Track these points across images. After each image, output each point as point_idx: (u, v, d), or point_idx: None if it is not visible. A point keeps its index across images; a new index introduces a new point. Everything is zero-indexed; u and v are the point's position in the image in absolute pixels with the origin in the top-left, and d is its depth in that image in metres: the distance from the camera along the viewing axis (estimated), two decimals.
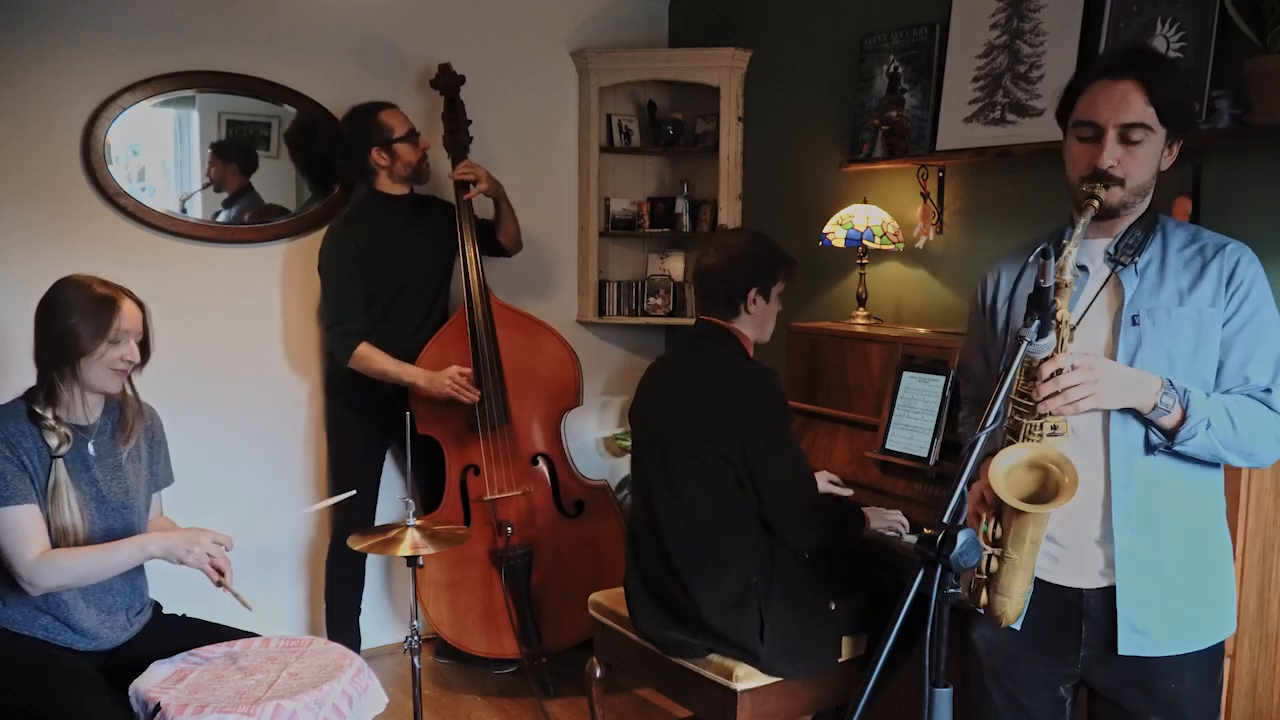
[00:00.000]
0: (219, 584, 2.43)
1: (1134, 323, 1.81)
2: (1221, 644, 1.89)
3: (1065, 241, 1.72)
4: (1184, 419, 1.73)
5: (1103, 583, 1.84)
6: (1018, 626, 1.87)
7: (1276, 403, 1.79)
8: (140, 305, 2.40)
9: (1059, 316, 1.68)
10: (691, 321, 4.17)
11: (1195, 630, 1.84)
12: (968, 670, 2.04)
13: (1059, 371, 1.68)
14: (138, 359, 2.38)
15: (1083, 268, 1.87)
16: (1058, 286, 1.66)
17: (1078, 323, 1.81)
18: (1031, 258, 1.64)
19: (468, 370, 3.49)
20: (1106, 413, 1.80)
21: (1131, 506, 1.81)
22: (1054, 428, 1.72)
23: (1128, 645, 1.82)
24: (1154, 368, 1.78)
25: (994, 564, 1.74)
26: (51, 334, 2.32)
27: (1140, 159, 1.78)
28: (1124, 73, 1.77)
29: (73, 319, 2.30)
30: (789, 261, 2.74)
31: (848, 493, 2.94)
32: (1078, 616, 1.87)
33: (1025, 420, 1.73)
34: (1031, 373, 1.71)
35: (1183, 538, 1.83)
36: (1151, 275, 1.83)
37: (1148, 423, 1.77)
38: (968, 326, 2.18)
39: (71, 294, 2.33)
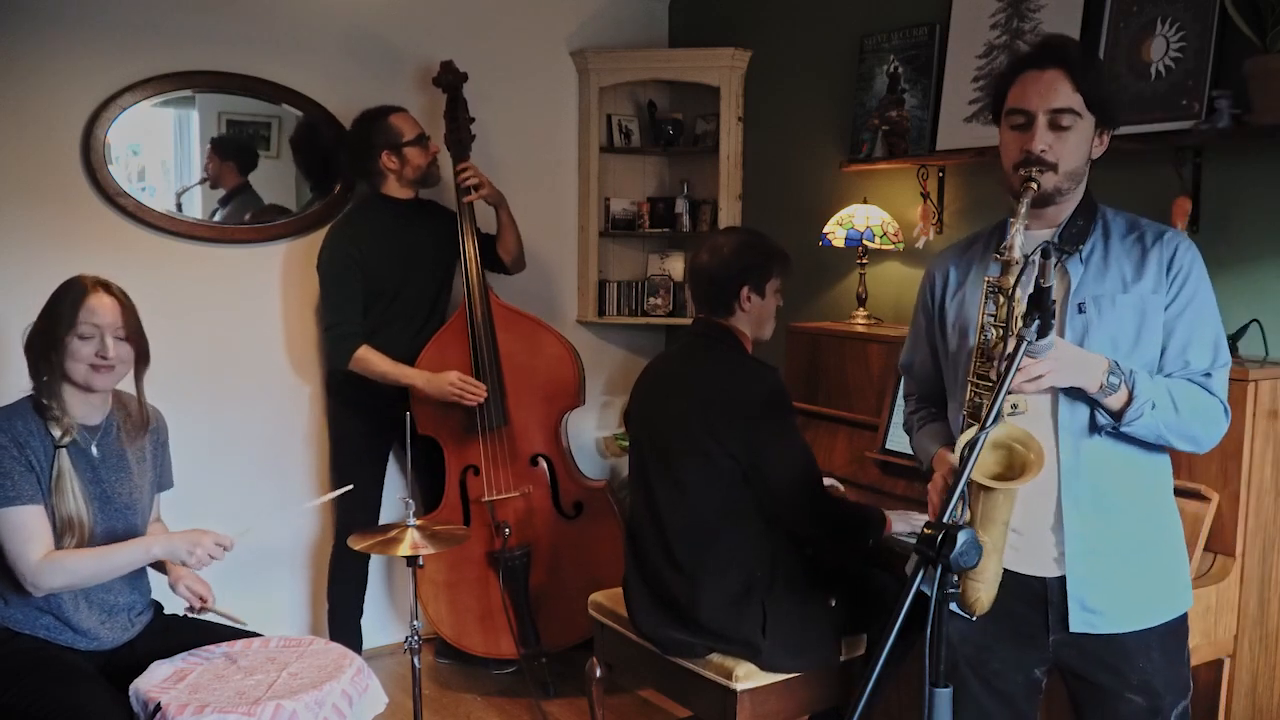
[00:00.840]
0: (202, 610, 2.45)
1: (1080, 310, 1.86)
2: (1183, 617, 1.93)
3: (1012, 221, 1.77)
4: (1130, 399, 1.78)
5: (1058, 570, 1.88)
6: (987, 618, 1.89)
7: (1216, 387, 1.85)
8: (121, 301, 2.35)
9: (1013, 295, 1.71)
10: (691, 321, 4.20)
11: (1150, 607, 1.89)
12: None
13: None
14: (114, 356, 2.32)
15: (1028, 258, 1.88)
16: (1007, 265, 1.71)
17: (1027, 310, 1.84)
18: (1031, 257, 1.65)
19: (469, 377, 3.48)
20: (1055, 398, 1.85)
21: (1080, 489, 1.85)
22: (1014, 405, 1.74)
23: (1078, 623, 1.86)
24: (1099, 353, 1.82)
25: None
26: (35, 327, 2.34)
27: (1070, 144, 1.83)
28: (1050, 62, 1.83)
29: (47, 313, 2.32)
30: (782, 257, 2.73)
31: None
32: (1042, 603, 1.90)
33: (985, 400, 1.75)
34: (988, 353, 1.76)
35: (1131, 517, 1.88)
36: (1095, 262, 1.88)
37: (1093, 403, 1.81)
38: (912, 323, 2.21)
39: (60, 289, 2.34)
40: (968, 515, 1.74)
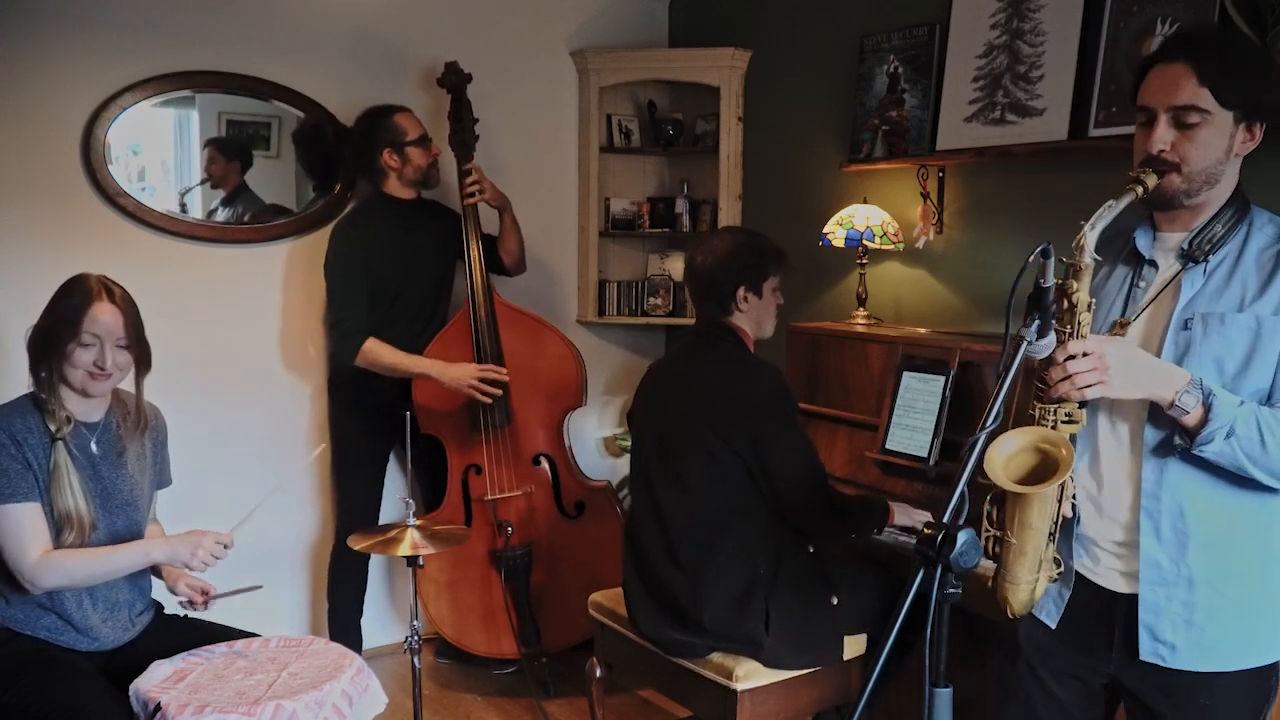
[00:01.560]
0: (207, 602, 2.45)
1: (1185, 327, 1.73)
2: (1269, 667, 1.78)
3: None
4: (1205, 420, 1.64)
5: (1125, 588, 1.80)
6: (1040, 615, 1.89)
7: None
8: (124, 310, 2.34)
9: (1074, 300, 1.64)
10: (691, 322, 4.20)
11: (1226, 651, 1.76)
12: (999, 659, 2.04)
13: (1071, 357, 1.65)
14: (111, 365, 2.31)
15: (1152, 263, 1.82)
16: (1077, 269, 1.63)
17: (1135, 318, 1.78)
18: (1031, 257, 1.62)
19: (489, 368, 3.48)
20: (1141, 415, 1.75)
21: (1159, 514, 1.75)
22: (1068, 415, 1.68)
23: (1147, 652, 1.78)
24: (1200, 375, 1.69)
25: (997, 547, 1.74)
26: (37, 327, 2.34)
27: (1198, 143, 1.69)
28: (1176, 55, 1.70)
29: (50, 316, 2.32)
30: (778, 256, 2.73)
31: None
32: (1109, 619, 1.83)
33: (1040, 405, 1.71)
34: (1048, 360, 1.69)
35: (1220, 553, 1.74)
36: (1220, 276, 1.73)
37: (1172, 422, 1.69)
38: None
39: (66, 288, 2.34)
40: (1000, 516, 1.71)
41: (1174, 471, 1.73)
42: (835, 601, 2.63)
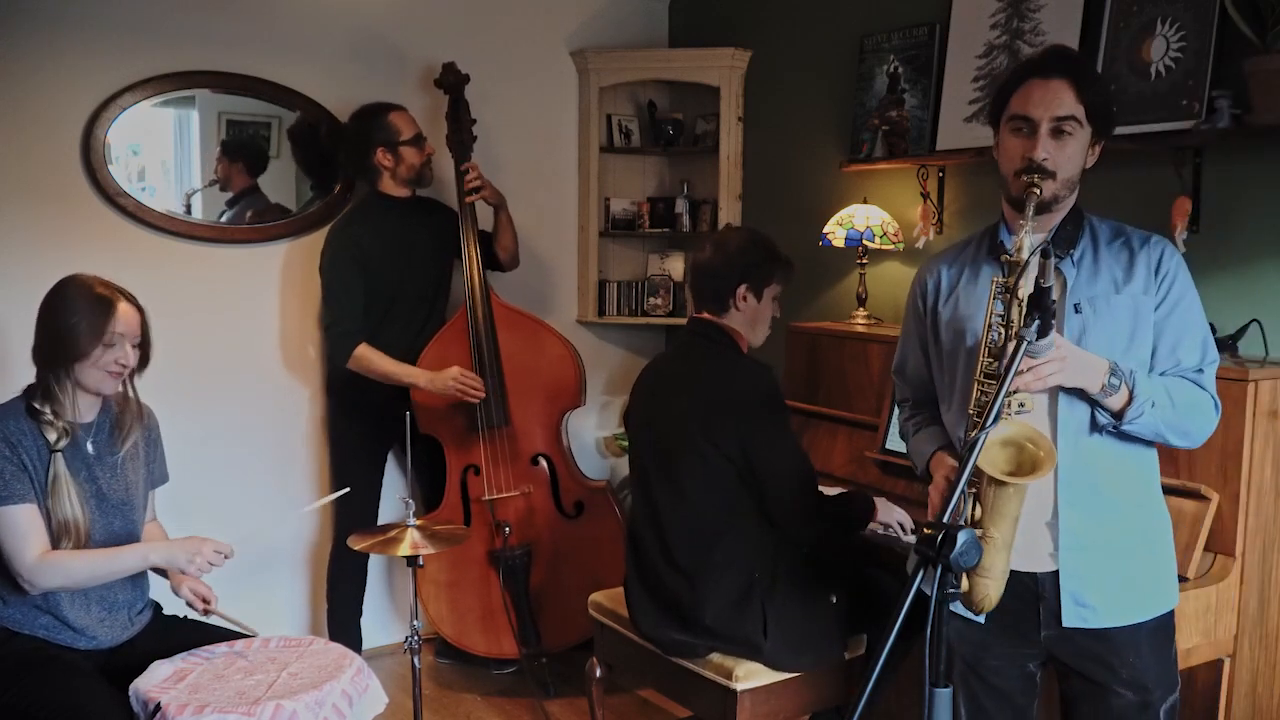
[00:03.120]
0: (205, 612, 2.46)
1: (1076, 310, 1.90)
2: (1170, 614, 1.97)
3: (1017, 231, 1.81)
4: (1131, 399, 1.83)
5: (1052, 565, 1.92)
6: (966, 613, 1.90)
7: (1206, 382, 1.91)
8: (139, 308, 2.38)
9: (1020, 295, 1.74)
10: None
11: (1140, 602, 1.92)
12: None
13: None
14: (131, 363, 2.36)
15: (1028, 260, 1.91)
16: (1013, 265, 1.76)
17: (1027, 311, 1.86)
18: (1031, 257, 1.67)
19: (470, 373, 3.48)
20: (1054, 397, 1.89)
21: (1077, 486, 1.89)
22: (1021, 404, 1.78)
23: (1071, 618, 1.90)
24: (1097, 353, 1.86)
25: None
26: (49, 333, 2.33)
27: (1069, 153, 1.87)
28: (1056, 71, 1.87)
29: (70, 320, 2.30)
30: (785, 264, 2.73)
31: None
32: (1035, 599, 1.94)
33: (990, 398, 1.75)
34: (996, 353, 1.79)
35: (1123, 514, 1.92)
36: (1086, 265, 1.93)
37: (1094, 403, 1.85)
38: (903, 327, 2.23)
39: (71, 294, 2.33)
40: (976, 513, 1.74)
41: (1085, 445, 1.89)
42: (835, 600, 2.63)
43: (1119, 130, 2.71)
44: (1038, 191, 1.83)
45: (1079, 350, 1.83)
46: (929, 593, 1.45)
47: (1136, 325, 1.90)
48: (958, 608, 1.86)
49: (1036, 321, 1.65)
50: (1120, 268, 1.92)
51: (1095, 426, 1.88)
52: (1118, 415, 1.85)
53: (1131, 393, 1.83)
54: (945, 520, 1.49)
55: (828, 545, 2.67)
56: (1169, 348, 1.91)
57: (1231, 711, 2.39)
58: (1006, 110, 1.92)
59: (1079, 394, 1.86)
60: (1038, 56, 1.94)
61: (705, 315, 2.70)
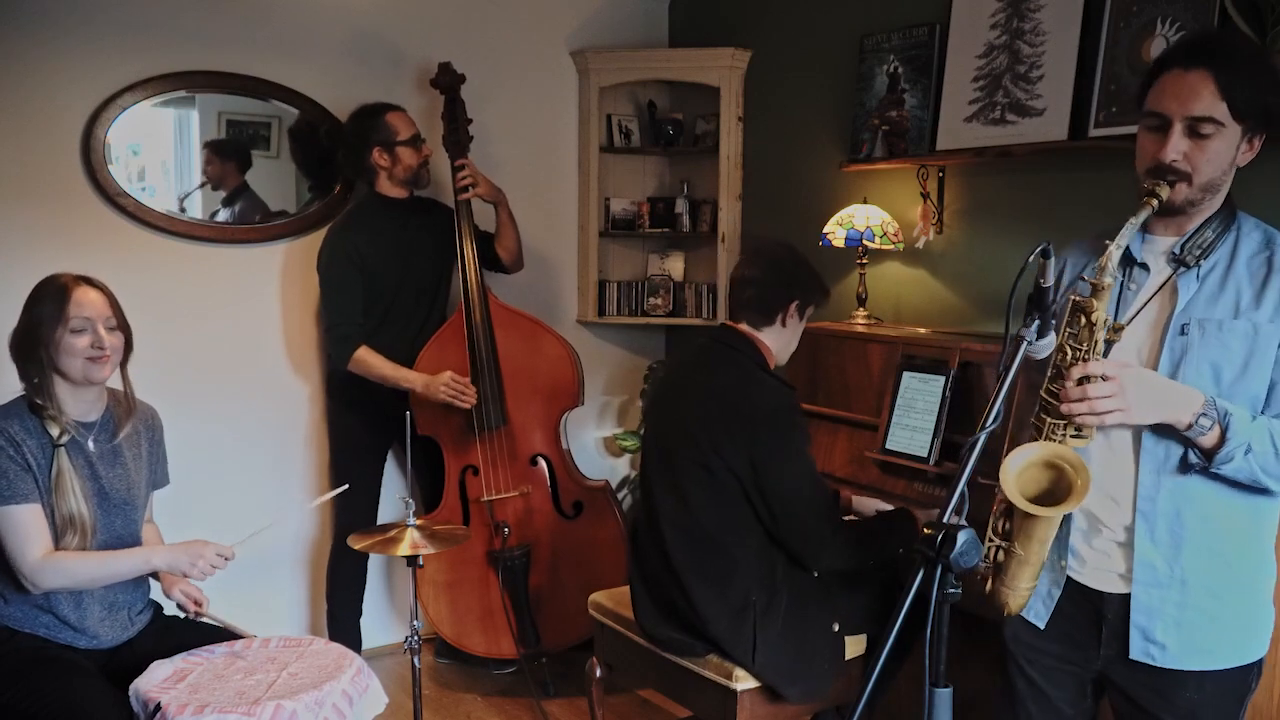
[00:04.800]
0: (197, 615, 2.46)
1: (1182, 332, 1.73)
2: (1251, 666, 1.82)
3: (1107, 241, 1.65)
4: (1222, 441, 1.67)
5: (1121, 588, 1.81)
6: (1029, 616, 1.90)
7: None
8: (104, 291, 2.37)
9: (1094, 319, 1.64)
10: (691, 322, 4.20)
11: (1215, 650, 1.79)
12: (997, 660, 2.05)
13: (1088, 379, 1.65)
14: (108, 345, 2.33)
15: (1144, 266, 1.82)
16: (1096, 288, 1.62)
17: (1128, 322, 1.77)
18: (1030, 257, 1.63)
19: (462, 379, 3.48)
20: (1139, 428, 1.76)
21: (1156, 520, 1.77)
22: (1078, 430, 1.69)
23: (1138, 651, 1.80)
24: (1196, 381, 1.72)
25: (1001, 556, 1.74)
26: (18, 328, 2.34)
27: (1209, 154, 1.69)
28: (1196, 62, 1.67)
29: (33, 313, 2.32)
30: (826, 290, 2.74)
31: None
32: (1098, 618, 1.85)
33: (1049, 419, 1.71)
34: (1062, 372, 1.68)
35: (1213, 558, 1.76)
36: (1213, 282, 1.74)
37: (1186, 441, 1.71)
38: None
39: (38, 289, 2.35)
40: (1008, 525, 1.71)
41: (1170, 477, 1.75)
42: (837, 628, 2.57)
43: (1120, 130, 2.72)
44: (1154, 202, 1.67)
45: (1159, 381, 1.69)
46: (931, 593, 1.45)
47: (1253, 356, 1.70)
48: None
49: (1036, 321, 1.64)
50: (1252, 287, 1.71)
51: (1188, 466, 1.72)
52: (1208, 456, 1.69)
53: (1224, 434, 1.66)
54: (945, 520, 1.49)
55: (853, 568, 2.59)
56: None
57: None
58: (1145, 104, 1.73)
59: (1169, 430, 1.70)
60: (1182, 42, 1.74)
61: (741, 326, 2.65)
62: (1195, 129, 1.68)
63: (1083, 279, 1.66)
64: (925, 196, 3.34)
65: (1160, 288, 1.79)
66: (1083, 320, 1.66)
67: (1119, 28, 2.78)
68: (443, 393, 3.44)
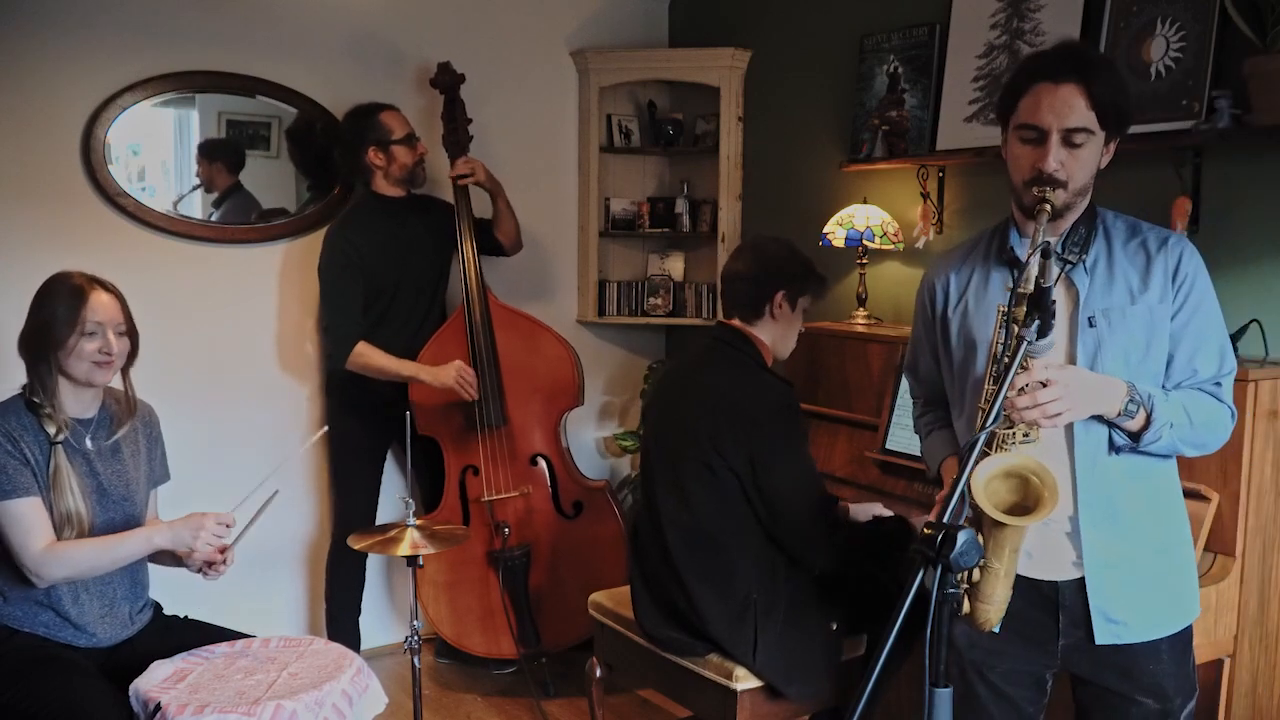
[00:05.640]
0: (226, 553, 2.40)
1: (1090, 324, 1.83)
2: (1190, 625, 1.94)
3: (1011, 246, 1.78)
4: (1149, 423, 1.78)
5: (1075, 574, 1.88)
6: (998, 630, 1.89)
7: (1224, 394, 1.86)
8: (118, 297, 2.38)
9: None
10: (691, 322, 4.20)
11: (1166, 616, 1.89)
12: (950, 665, 2.04)
13: (1030, 385, 1.69)
14: (116, 351, 2.34)
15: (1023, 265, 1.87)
16: (1022, 297, 1.65)
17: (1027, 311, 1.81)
18: (1030, 257, 1.64)
19: (471, 370, 3.48)
20: None
21: (1095, 503, 1.85)
22: (1025, 434, 1.74)
23: (1104, 635, 1.86)
24: (1111, 368, 1.81)
25: (976, 574, 1.73)
26: (31, 325, 2.34)
27: (1082, 161, 1.79)
28: (1066, 75, 1.76)
29: (47, 311, 2.32)
30: (820, 279, 2.73)
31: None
32: (1054, 607, 1.90)
33: (1000, 430, 1.73)
34: (1000, 379, 1.71)
35: (1145, 529, 1.88)
36: (1101, 273, 1.85)
37: (1111, 424, 1.80)
38: (913, 330, 2.17)
39: (51, 286, 2.35)
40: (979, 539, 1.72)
41: (1103, 465, 1.85)
42: (835, 627, 2.58)
43: None
44: (1049, 207, 1.75)
45: (1087, 377, 1.77)
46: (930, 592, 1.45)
47: (1152, 336, 1.83)
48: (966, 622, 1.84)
49: (1036, 321, 1.64)
50: (1136, 274, 1.84)
51: (1113, 447, 1.83)
52: (1134, 437, 1.80)
53: (1150, 416, 1.77)
54: (945, 520, 1.49)
55: (845, 572, 2.60)
56: (1186, 358, 1.84)
57: (1231, 711, 2.39)
58: (1014, 115, 1.83)
59: (1096, 417, 1.80)
60: (1046, 57, 1.83)
61: (735, 323, 2.67)
62: (1070, 139, 1.77)
63: (1008, 288, 1.72)
64: (925, 196, 3.34)
65: (1053, 284, 1.83)
66: (1015, 329, 1.68)
67: (1119, 28, 2.78)
68: (454, 378, 3.43)
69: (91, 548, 2.29)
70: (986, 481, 1.68)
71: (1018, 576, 1.86)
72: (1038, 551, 1.89)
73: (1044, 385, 1.69)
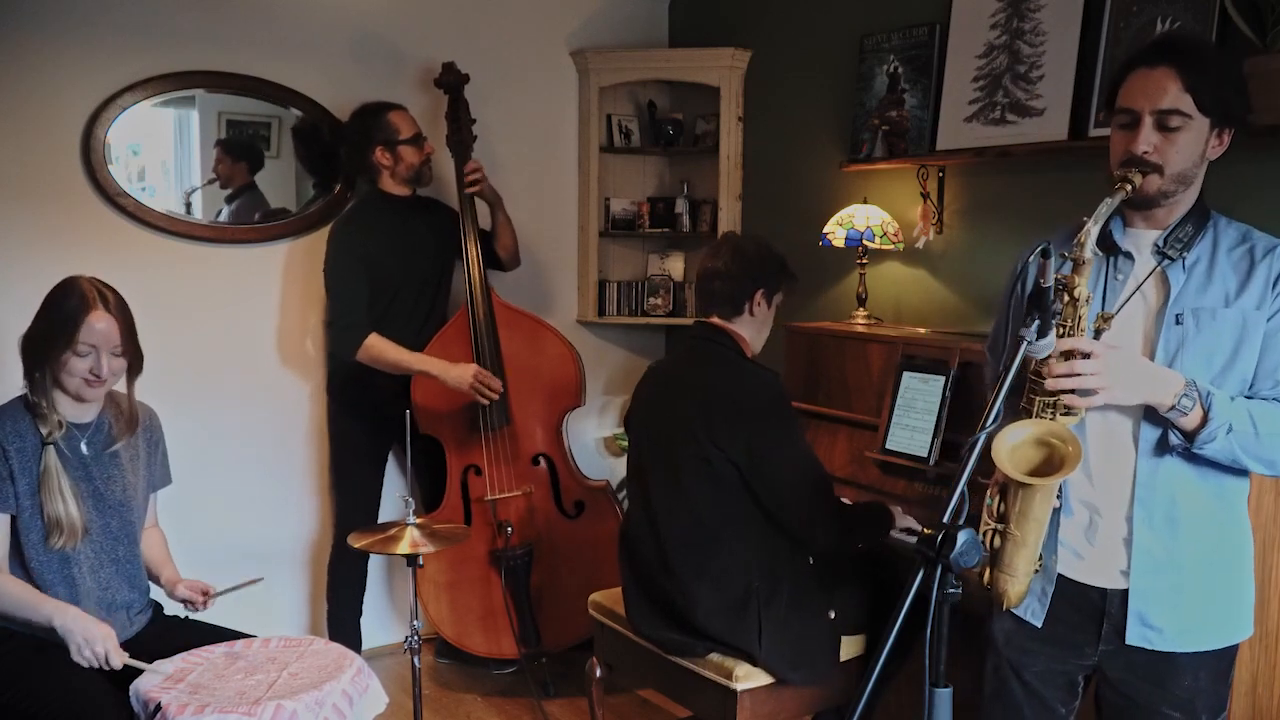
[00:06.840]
0: (206, 603, 2.46)
1: (1177, 322, 1.79)
2: (1236, 645, 1.88)
3: (1111, 232, 1.70)
4: (1204, 421, 1.71)
5: (1124, 584, 1.84)
6: (1024, 615, 1.90)
7: None
8: (120, 318, 2.34)
9: (1076, 294, 1.67)
10: (690, 322, 4.20)
11: (1208, 631, 1.84)
12: (985, 661, 2.05)
13: (1073, 354, 1.67)
14: (107, 374, 2.32)
15: (1128, 255, 1.86)
16: (1077, 264, 1.66)
17: (1117, 311, 1.80)
18: (1030, 257, 1.64)
19: (488, 374, 3.48)
20: (1138, 413, 1.80)
21: (1154, 506, 1.81)
22: (1067, 406, 1.71)
23: (1135, 637, 1.83)
24: (1193, 369, 1.76)
25: (998, 540, 1.74)
26: (31, 331, 2.34)
27: (1178, 146, 1.75)
28: (1160, 59, 1.75)
29: (45, 323, 2.32)
30: (792, 276, 2.76)
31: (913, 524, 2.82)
32: (1099, 614, 1.87)
33: (1039, 398, 1.72)
34: (999, 379, 1.69)
35: (1202, 540, 1.82)
36: (1199, 273, 1.80)
37: (1166, 422, 1.75)
38: (1000, 307, 2.12)
39: (56, 297, 2.34)
40: (1001, 509, 1.72)
41: (1166, 464, 1.80)
42: (833, 616, 2.60)
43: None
44: (1128, 187, 1.71)
45: (1141, 361, 1.74)
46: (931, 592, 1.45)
47: (1242, 342, 1.76)
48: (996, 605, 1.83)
49: (1036, 321, 1.64)
50: (1236, 279, 1.78)
51: (1169, 447, 1.77)
52: (1189, 437, 1.73)
53: (1206, 415, 1.71)
54: (945, 520, 1.49)
55: (840, 552, 2.64)
56: (1270, 367, 1.77)
57: (1231, 711, 2.38)
58: (1115, 103, 1.80)
59: (1155, 412, 1.75)
60: (1144, 44, 1.80)
61: (714, 320, 2.69)
62: (1164, 122, 1.74)
63: (1062, 255, 1.67)
64: (925, 196, 3.34)
65: (1147, 277, 1.83)
66: (1066, 297, 1.69)
67: (1119, 28, 2.78)
68: (471, 383, 3.42)
69: (14, 596, 2.26)
70: (1013, 449, 1.68)
71: (1065, 579, 1.87)
72: (1090, 555, 1.87)
73: (1086, 357, 1.67)
